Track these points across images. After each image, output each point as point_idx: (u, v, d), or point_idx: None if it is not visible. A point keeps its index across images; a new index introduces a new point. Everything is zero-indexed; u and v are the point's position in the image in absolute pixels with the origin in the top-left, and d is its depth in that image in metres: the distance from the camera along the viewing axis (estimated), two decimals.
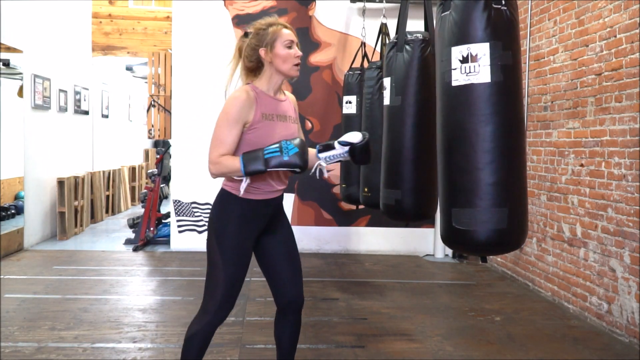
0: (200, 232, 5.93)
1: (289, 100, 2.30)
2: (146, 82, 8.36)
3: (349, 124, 4.60)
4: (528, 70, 4.64)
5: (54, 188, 6.39)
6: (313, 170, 2.23)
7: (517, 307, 4.12)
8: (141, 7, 8.06)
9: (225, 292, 2.15)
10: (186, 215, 5.92)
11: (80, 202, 6.81)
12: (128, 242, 6.11)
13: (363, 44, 4.89)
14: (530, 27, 4.65)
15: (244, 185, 2.10)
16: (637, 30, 3.34)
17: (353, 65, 4.87)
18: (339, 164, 4.81)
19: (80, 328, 3.46)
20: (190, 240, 5.91)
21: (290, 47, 2.17)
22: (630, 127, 3.39)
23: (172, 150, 6.02)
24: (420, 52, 2.93)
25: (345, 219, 5.96)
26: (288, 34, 2.19)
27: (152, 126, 6.63)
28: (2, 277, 4.62)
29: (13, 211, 6.58)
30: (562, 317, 3.91)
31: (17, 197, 6.87)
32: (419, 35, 2.98)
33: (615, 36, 3.55)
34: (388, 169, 3.10)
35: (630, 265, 3.38)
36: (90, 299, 4.07)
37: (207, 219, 5.89)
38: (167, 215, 6.39)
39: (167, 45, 7.46)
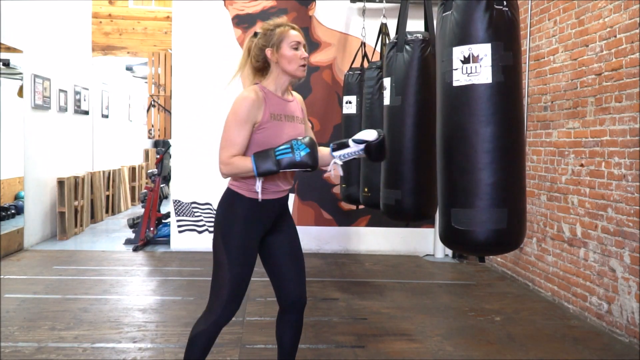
0: (200, 232, 5.93)
1: (296, 101, 2.31)
2: (146, 82, 8.36)
3: (349, 124, 4.60)
4: (528, 70, 4.64)
5: (54, 188, 6.39)
6: (329, 169, 2.24)
7: (517, 307, 4.12)
8: (141, 7, 8.06)
9: (231, 292, 2.15)
10: (186, 215, 5.92)
11: (80, 202, 6.81)
12: (128, 242, 6.11)
13: (363, 44, 4.89)
14: (530, 27, 4.65)
15: (259, 185, 2.11)
16: (637, 30, 3.34)
17: (353, 65, 4.87)
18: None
19: (80, 328, 3.46)
20: (190, 240, 5.91)
21: (296, 49, 2.18)
22: (630, 127, 3.39)
23: (172, 150, 6.02)
24: (420, 52, 2.93)
25: (345, 219, 5.96)
26: (295, 35, 2.19)
27: (152, 126, 6.63)
28: (2, 277, 4.62)
29: (13, 211, 6.58)
30: (562, 317, 3.91)
31: (17, 197, 6.87)
32: (419, 35, 2.98)
33: (615, 36, 3.55)
34: (388, 169, 3.10)
35: (630, 265, 3.38)
36: (90, 299, 4.07)
37: (207, 219, 5.93)
38: (167, 215, 6.39)
39: (167, 45, 7.46)
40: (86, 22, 7.62)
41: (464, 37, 2.11)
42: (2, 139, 5.85)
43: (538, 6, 4.57)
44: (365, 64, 4.71)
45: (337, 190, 5.79)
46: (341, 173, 2.25)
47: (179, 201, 5.92)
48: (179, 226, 5.92)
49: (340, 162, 2.23)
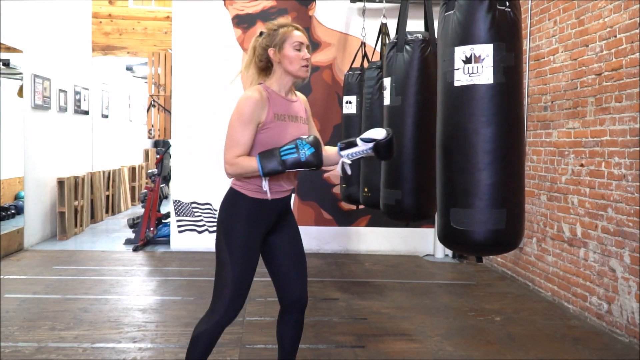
0: (200, 232, 5.93)
1: (300, 101, 2.31)
2: (146, 82, 8.36)
3: (349, 124, 4.61)
4: (528, 70, 4.64)
5: (54, 188, 6.39)
6: (338, 168, 2.24)
7: (517, 307, 4.12)
8: (141, 7, 8.06)
9: (234, 292, 2.16)
10: (186, 215, 5.92)
11: (80, 202, 6.81)
12: (128, 242, 6.11)
13: (363, 44, 4.89)
14: (530, 27, 4.65)
15: (265, 184, 2.12)
16: (637, 30, 3.34)
17: (353, 65, 4.87)
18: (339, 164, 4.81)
19: (80, 328, 3.46)
20: (190, 240, 5.91)
21: (299, 49, 2.18)
22: (630, 127, 3.39)
23: (172, 150, 6.02)
24: (420, 52, 2.93)
25: (345, 219, 5.96)
26: (298, 35, 2.19)
27: (152, 126, 6.63)
28: (2, 277, 4.62)
29: (13, 211, 6.57)
30: (562, 317, 3.91)
31: (17, 197, 6.87)
32: (419, 35, 2.98)
33: (615, 36, 3.55)
34: (388, 169, 3.10)
35: (630, 265, 3.38)
36: (90, 299, 4.07)
37: (207, 219, 5.93)
38: (167, 215, 6.39)
39: (167, 45, 7.46)
40: (86, 22, 7.62)
41: (466, 37, 2.11)
42: (2, 139, 5.85)
43: (538, 6, 4.57)
44: (365, 64, 4.71)
45: (337, 190, 5.79)
46: (349, 172, 2.25)
47: (179, 201, 5.92)
48: (179, 226, 5.92)
49: (348, 161, 2.23)
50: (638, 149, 3.32)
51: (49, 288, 4.33)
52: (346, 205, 5.70)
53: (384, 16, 4.62)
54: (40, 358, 2.99)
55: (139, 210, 8.39)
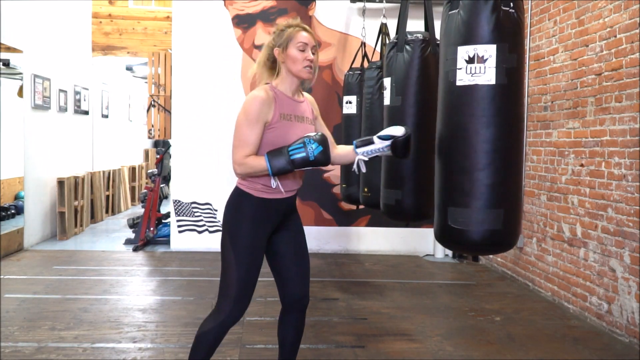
0: (200, 232, 5.93)
1: (307, 102, 2.32)
2: (146, 82, 8.36)
3: (349, 124, 4.60)
4: (528, 70, 4.64)
5: (54, 188, 6.39)
6: (354, 166, 2.26)
7: (517, 307, 4.12)
8: (141, 7, 8.05)
9: (239, 291, 2.16)
10: (186, 215, 5.92)
11: (80, 202, 6.81)
12: (128, 242, 6.11)
13: (363, 44, 4.89)
14: (530, 27, 4.65)
15: (274, 182, 2.13)
16: (637, 30, 3.34)
17: (353, 65, 4.87)
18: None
19: (80, 328, 3.46)
20: (190, 240, 5.91)
21: (302, 50, 2.18)
22: (630, 127, 3.39)
23: (172, 150, 6.02)
24: (420, 52, 2.93)
25: (345, 219, 5.96)
26: (303, 36, 2.20)
27: (152, 126, 6.63)
28: (2, 277, 4.62)
29: (13, 211, 6.57)
30: (562, 317, 3.91)
31: (17, 197, 6.87)
32: (419, 35, 2.98)
33: (615, 36, 3.55)
34: (388, 169, 3.10)
35: (630, 265, 3.38)
36: (90, 299, 4.07)
37: (207, 219, 5.93)
38: (167, 215, 6.39)
39: (167, 45, 7.46)
40: (86, 22, 7.62)
41: (470, 37, 2.11)
42: (2, 139, 5.85)
43: (538, 6, 4.58)
44: (365, 64, 4.71)
45: (337, 190, 5.79)
46: (364, 170, 2.27)
47: (179, 201, 5.92)
48: (179, 226, 5.92)
49: (365, 158, 2.24)
50: (638, 149, 3.32)
51: (49, 288, 4.33)
52: (346, 205, 5.70)
53: (384, 16, 4.62)
54: (40, 358, 2.99)
55: (139, 210, 8.39)
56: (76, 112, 7.20)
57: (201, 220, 5.93)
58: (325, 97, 5.88)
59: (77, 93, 7.22)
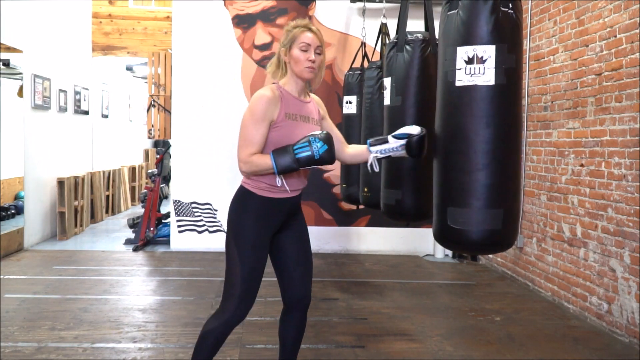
0: (200, 232, 5.93)
1: (313, 102, 2.33)
2: (146, 82, 8.36)
3: (349, 124, 4.60)
4: (528, 70, 4.64)
5: (54, 188, 6.39)
6: (368, 165, 2.28)
7: (517, 307, 4.12)
8: (141, 7, 8.05)
9: (243, 291, 2.17)
10: (186, 215, 5.92)
11: (80, 202, 6.81)
12: (128, 242, 6.11)
13: (363, 44, 4.89)
14: (530, 27, 4.65)
15: (279, 180, 2.15)
16: (637, 30, 3.34)
17: (353, 65, 4.87)
18: (338, 164, 4.82)
19: (80, 328, 3.46)
20: (190, 240, 5.91)
21: (305, 50, 2.18)
22: (630, 127, 3.39)
23: (172, 150, 6.02)
24: (420, 52, 2.93)
25: (345, 219, 5.96)
26: (306, 37, 2.19)
27: (152, 126, 6.63)
28: (2, 277, 4.62)
29: (13, 211, 6.58)
30: (562, 317, 3.91)
31: (17, 197, 6.87)
32: (419, 35, 2.98)
33: (615, 36, 3.55)
34: (388, 169, 3.09)
35: (630, 265, 3.38)
36: (90, 299, 4.07)
37: (207, 219, 5.93)
38: (167, 215, 6.39)
39: (167, 45, 7.46)
40: (86, 22, 7.62)
41: (469, 38, 2.11)
42: (2, 139, 5.85)
43: (538, 6, 4.57)
44: (365, 64, 4.71)
45: (337, 190, 5.79)
46: (377, 169, 2.28)
47: (179, 201, 5.92)
48: (179, 226, 5.92)
49: (381, 155, 2.26)
50: (638, 149, 3.32)
51: (49, 288, 4.33)
52: (346, 205, 5.70)
53: (384, 16, 4.62)
54: (40, 358, 2.99)
55: (139, 210, 8.39)
56: (76, 112, 7.20)
57: (201, 220, 5.93)
58: (325, 97, 5.84)
59: (77, 93, 7.22)
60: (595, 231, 3.74)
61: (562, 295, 4.13)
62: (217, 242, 5.80)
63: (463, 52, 2.12)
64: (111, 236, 6.65)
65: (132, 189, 9.31)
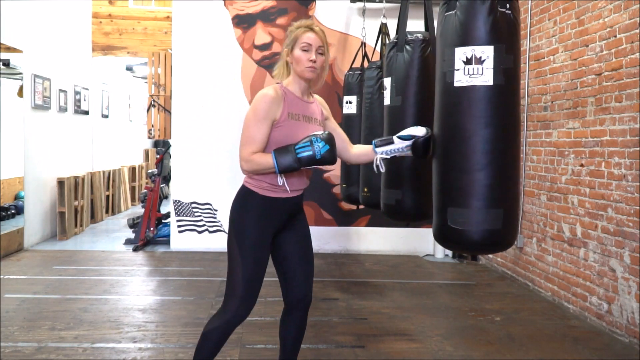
0: (200, 232, 5.93)
1: (316, 103, 2.34)
2: (146, 82, 8.36)
3: (349, 124, 4.60)
4: (528, 70, 4.64)
5: (54, 188, 6.39)
6: (375, 166, 2.30)
7: (517, 307, 4.12)
8: (141, 7, 8.06)
9: (245, 290, 2.17)
10: (186, 215, 5.92)
11: (80, 202, 6.81)
12: (128, 242, 6.11)
13: (363, 44, 4.89)
14: (530, 27, 4.65)
15: (280, 180, 2.15)
16: (637, 30, 3.34)
17: (353, 65, 4.87)
18: (338, 164, 4.82)
19: (80, 328, 3.46)
20: (190, 240, 5.91)
21: (306, 50, 2.19)
22: (630, 127, 3.39)
23: (172, 150, 6.02)
24: (420, 52, 2.93)
25: (345, 219, 5.96)
26: (308, 37, 2.20)
27: (152, 126, 6.63)
28: (2, 277, 4.62)
29: (13, 211, 6.57)
30: (562, 317, 3.91)
31: (17, 197, 6.87)
32: (419, 35, 2.98)
33: (615, 36, 3.55)
34: (389, 169, 3.09)
35: (630, 265, 3.38)
36: (90, 299, 4.07)
37: (207, 219, 5.93)
38: (167, 215, 6.39)
39: (167, 45, 7.46)
40: (86, 22, 7.62)
41: (467, 38, 2.12)
42: (2, 139, 5.85)
43: (538, 6, 4.57)
44: (365, 64, 4.71)
45: (337, 190, 5.79)
46: (383, 170, 2.29)
47: (179, 201, 5.92)
48: (179, 226, 5.92)
49: (388, 156, 2.28)
50: (638, 149, 3.32)
51: (49, 288, 4.33)
52: (346, 205, 5.70)
53: (384, 16, 4.62)
54: (40, 358, 2.99)
55: (139, 210, 8.39)
56: (76, 112, 7.20)
57: (201, 220, 5.93)
58: (325, 97, 5.80)
59: (77, 93, 7.22)
60: (595, 231, 3.74)
61: (562, 295, 4.13)
62: (217, 242, 5.80)
63: (461, 53, 2.12)
64: (111, 236, 6.65)
65: (132, 189, 9.31)
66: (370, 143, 2.39)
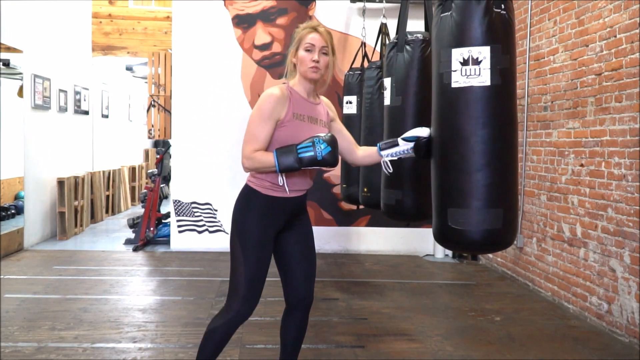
0: (200, 232, 5.93)
1: (322, 104, 2.34)
2: (146, 82, 8.36)
3: (349, 124, 4.60)
4: (528, 70, 4.64)
5: (54, 188, 6.39)
6: (383, 168, 2.32)
7: (517, 307, 4.12)
8: (141, 7, 8.06)
9: (247, 289, 2.17)
10: (186, 215, 5.92)
11: (80, 202, 6.81)
12: (128, 242, 6.11)
13: (363, 44, 4.89)
14: (530, 27, 4.65)
15: (281, 179, 2.15)
16: (637, 30, 3.34)
17: (353, 65, 4.87)
18: (339, 164, 4.82)
19: (80, 328, 3.46)
20: (190, 240, 5.91)
21: (309, 50, 2.20)
22: (630, 127, 3.39)
23: (172, 150, 6.02)
24: (420, 52, 2.93)
25: (345, 219, 5.96)
26: (311, 37, 2.21)
27: (152, 126, 6.63)
28: (2, 277, 4.62)
29: (13, 211, 6.58)
30: (562, 317, 3.91)
31: (17, 197, 6.87)
32: (419, 35, 2.98)
33: (615, 36, 3.55)
34: None
35: (630, 265, 3.38)
36: (90, 299, 4.07)
37: (207, 219, 5.93)
38: (167, 215, 6.39)
39: (167, 45, 7.46)
40: (86, 22, 7.62)
41: (464, 39, 2.12)
42: (2, 139, 5.85)
43: (538, 6, 4.57)
44: (365, 64, 4.71)
45: (337, 190, 5.79)
46: (390, 171, 2.31)
47: (179, 201, 5.92)
48: (179, 226, 5.92)
49: (394, 158, 2.30)
50: (638, 149, 3.32)
51: (49, 288, 4.33)
52: (346, 205, 5.70)
53: (384, 16, 4.62)
54: (40, 358, 2.99)
55: (139, 210, 8.39)
56: (76, 112, 7.20)
57: (201, 220, 5.93)
58: (325, 97, 5.87)
59: (77, 93, 7.22)
60: (595, 231, 3.74)
61: (562, 295, 4.13)
62: (217, 242, 5.80)
63: (458, 54, 2.12)
64: (111, 236, 6.65)
65: (132, 189, 9.31)
66: (370, 143, 2.41)
